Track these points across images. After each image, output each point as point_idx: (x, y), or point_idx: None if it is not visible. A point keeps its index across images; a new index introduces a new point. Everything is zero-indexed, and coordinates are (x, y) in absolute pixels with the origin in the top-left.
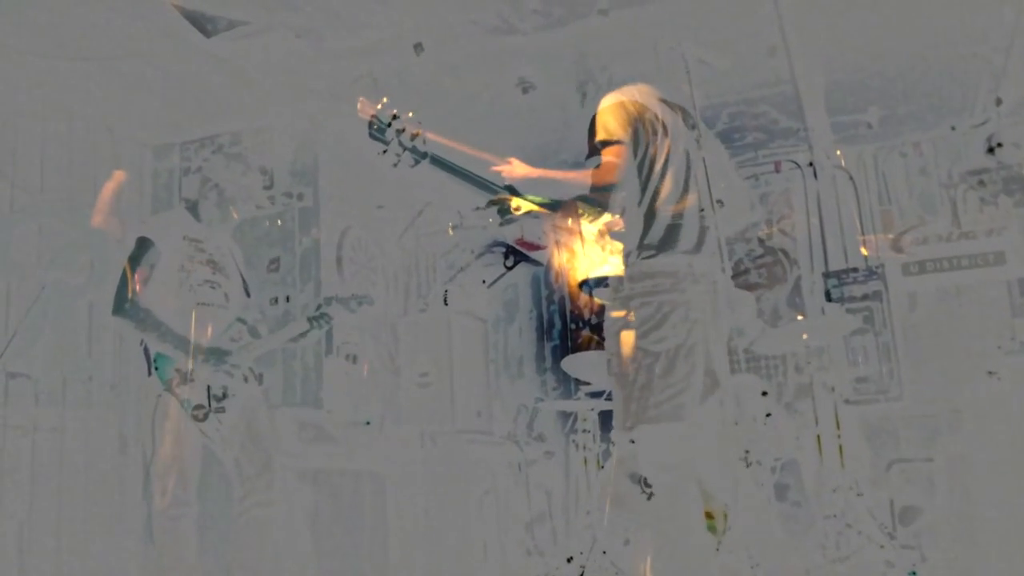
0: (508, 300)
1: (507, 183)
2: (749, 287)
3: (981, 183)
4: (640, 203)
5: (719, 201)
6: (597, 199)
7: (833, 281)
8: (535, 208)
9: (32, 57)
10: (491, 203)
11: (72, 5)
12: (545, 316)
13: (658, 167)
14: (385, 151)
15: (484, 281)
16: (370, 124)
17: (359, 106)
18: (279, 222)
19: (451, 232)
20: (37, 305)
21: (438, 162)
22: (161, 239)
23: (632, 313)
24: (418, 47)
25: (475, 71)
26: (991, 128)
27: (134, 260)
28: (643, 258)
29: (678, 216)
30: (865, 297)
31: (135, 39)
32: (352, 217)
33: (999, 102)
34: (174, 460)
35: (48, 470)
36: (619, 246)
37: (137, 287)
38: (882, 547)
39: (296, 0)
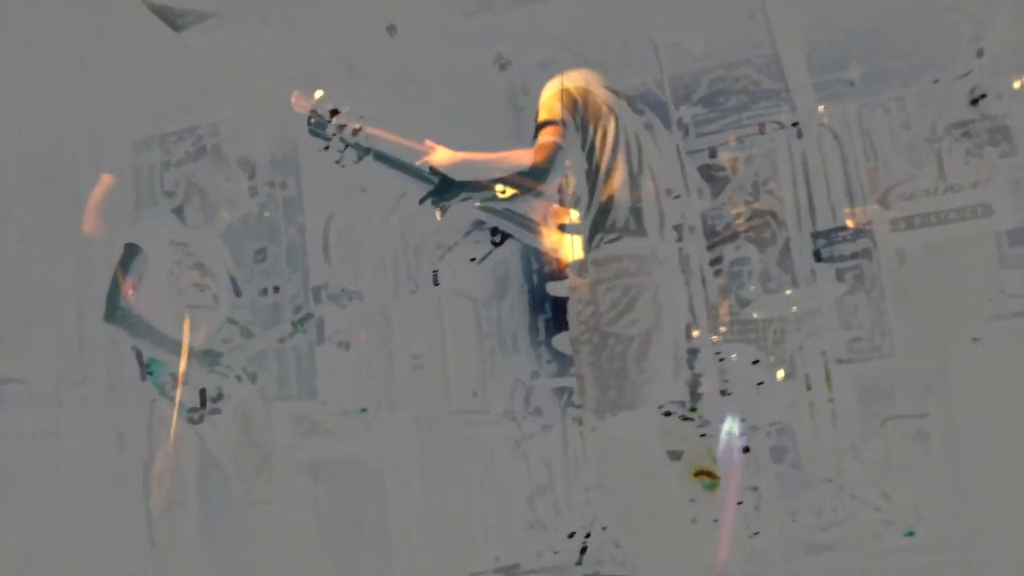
0: (499, 275)
1: (429, 167)
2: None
3: (966, 135)
4: (594, 188)
5: (669, 191)
6: (532, 181)
7: (822, 241)
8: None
9: (7, 58)
10: (423, 199)
11: (43, 6)
12: (537, 290)
13: (607, 150)
14: (327, 147)
15: (473, 259)
16: (308, 120)
17: (293, 99)
18: (266, 213)
19: (439, 217)
20: (24, 310)
21: (382, 157)
22: (148, 244)
23: (599, 298)
24: (391, 29)
25: (450, 50)
26: (973, 80)
27: (123, 266)
28: (607, 242)
29: (636, 199)
30: (854, 255)
31: (107, 35)
32: (336, 203)
33: (980, 53)
34: (172, 463)
35: (47, 474)
36: None
37: (127, 293)
38: (878, 509)
39: None
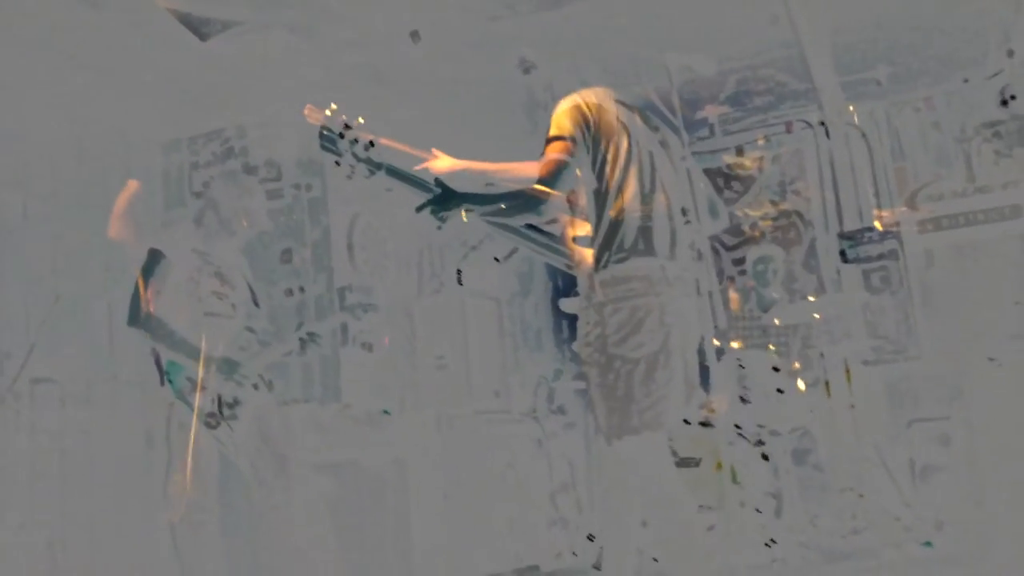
0: (523, 273)
1: (436, 177)
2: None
3: (996, 135)
4: (604, 205)
5: (683, 210)
6: (536, 193)
7: (848, 241)
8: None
9: (39, 68)
10: (421, 207)
11: (73, 16)
12: (561, 288)
13: (619, 167)
14: (338, 163)
15: (496, 258)
16: (320, 135)
17: (306, 112)
18: (292, 215)
19: (439, 227)
20: (54, 311)
21: (394, 173)
22: (171, 250)
23: (606, 319)
24: (415, 35)
25: (474, 55)
26: (1004, 80)
27: (146, 272)
28: (615, 262)
29: (647, 218)
30: (881, 256)
31: (137, 44)
32: (361, 204)
33: (1011, 53)
34: (191, 467)
35: (77, 471)
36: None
37: (150, 298)
38: (897, 519)
39: None
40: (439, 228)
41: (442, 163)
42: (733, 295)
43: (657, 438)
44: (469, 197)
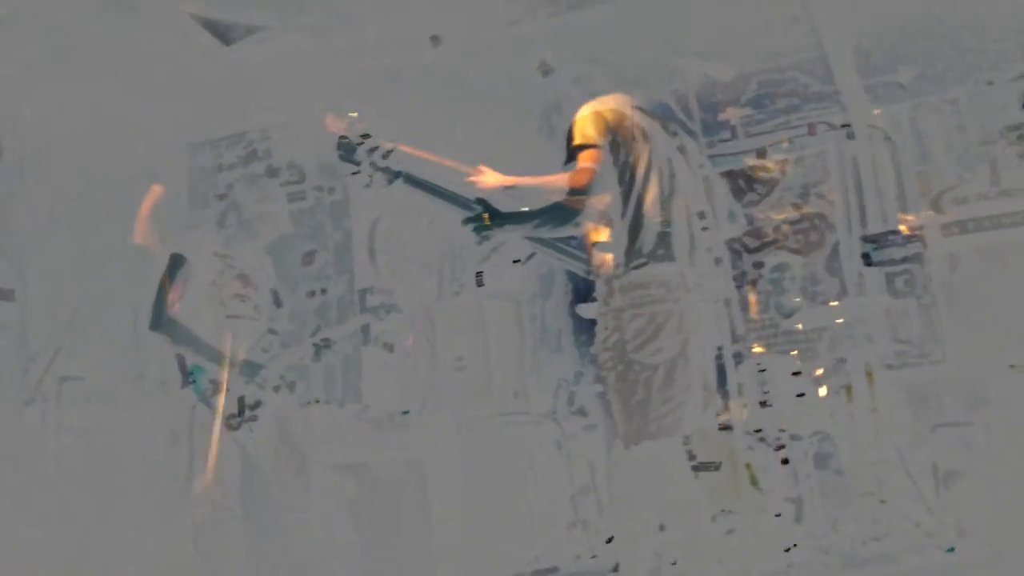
0: (543, 275)
1: (479, 195)
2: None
3: (1021, 138)
4: (624, 212)
5: (701, 214)
6: (572, 204)
7: (871, 245)
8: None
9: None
10: (467, 221)
11: (101, 20)
12: (582, 289)
13: (640, 174)
14: (356, 172)
15: (516, 260)
16: (338, 145)
17: (328, 121)
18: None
19: (479, 243)
20: (81, 312)
21: (412, 180)
22: (193, 254)
23: (624, 325)
24: (435, 39)
25: (493, 58)
26: None
27: (168, 276)
28: (634, 267)
29: (666, 224)
30: (904, 260)
31: (163, 48)
32: (383, 206)
33: None
34: (214, 468)
35: (103, 469)
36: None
37: (172, 303)
38: (918, 525)
39: (306, 1)
40: (478, 244)
41: (488, 179)
42: (753, 299)
43: (674, 444)
44: (510, 217)
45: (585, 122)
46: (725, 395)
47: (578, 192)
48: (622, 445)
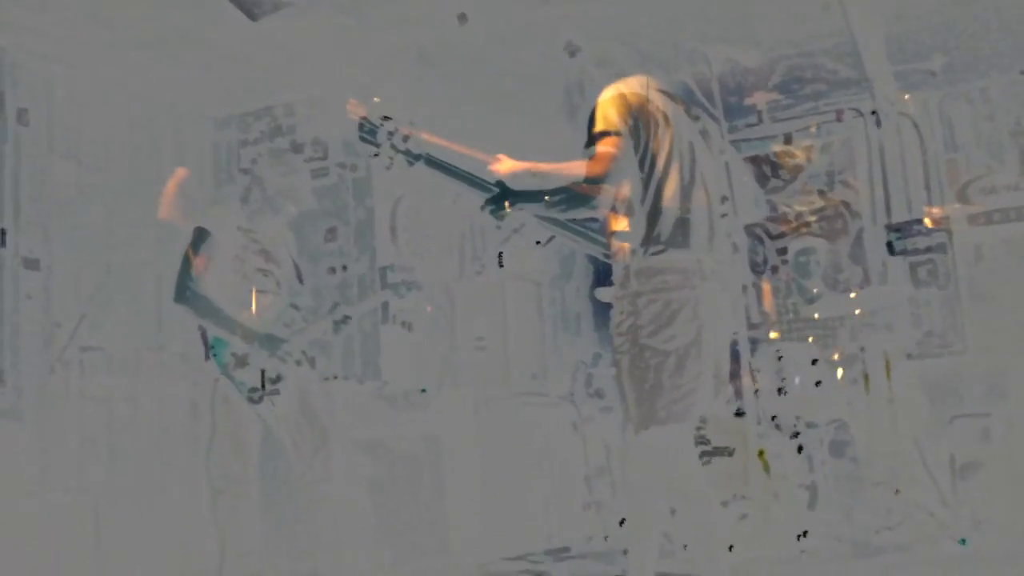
0: (564, 257)
1: (496, 179)
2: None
3: None
4: (644, 198)
5: (724, 198)
6: (588, 191)
7: (896, 234)
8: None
9: (96, 43)
10: (486, 203)
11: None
12: (603, 272)
13: (661, 160)
14: (376, 154)
15: (538, 241)
16: (360, 127)
17: (349, 107)
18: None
19: (498, 225)
20: (106, 282)
21: (433, 163)
22: (217, 229)
23: (640, 310)
24: (462, 17)
25: (520, 37)
26: None
27: (192, 249)
28: (651, 254)
29: (686, 210)
30: (928, 249)
31: (190, 22)
32: (405, 185)
33: None
34: (233, 441)
35: (124, 438)
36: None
37: (196, 276)
38: (932, 515)
39: None
40: (498, 227)
41: (504, 165)
42: (773, 286)
43: (683, 430)
44: (525, 196)
45: (608, 106)
46: (740, 382)
47: (594, 180)
48: (632, 429)
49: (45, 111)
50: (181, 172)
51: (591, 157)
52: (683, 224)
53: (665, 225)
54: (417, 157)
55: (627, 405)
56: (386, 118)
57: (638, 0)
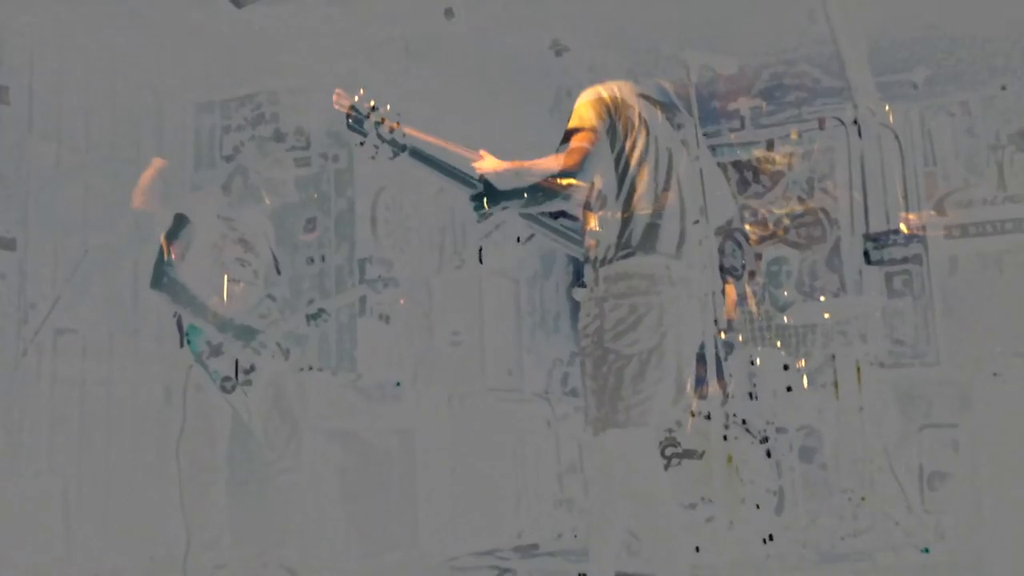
0: (545, 255)
1: (480, 176)
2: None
3: None
4: (617, 198)
5: (702, 209)
6: (553, 185)
7: (873, 243)
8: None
9: (78, 24)
10: (473, 198)
11: None
12: (582, 272)
13: (634, 162)
14: (362, 143)
15: (518, 239)
16: (347, 116)
17: (335, 98)
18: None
19: (479, 222)
20: (83, 264)
21: (417, 155)
22: (197, 216)
23: (605, 314)
24: (448, 12)
25: (506, 34)
26: None
27: (171, 236)
28: (620, 257)
29: (657, 215)
30: (905, 260)
31: (175, 5)
32: (387, 177)
33: None
34: (204, 428)
35: (96, 421)
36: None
37: (173, 262)
38: (897, 524)
39: None
40: (478, 223)
41: (487, 163)
42: (749, 291)
43: (642, 433)
44: (506, 194)
45: (584, 106)
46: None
47: (567, 174)
48: (591, 431)
49: (26, 90)
50: (158, 162)
51: (564, 152)
52: (653, 229)
53: (635, 229)
54: (402, 148)
55: (587, 406)
56: (374, 108)
57: (625, 5)
